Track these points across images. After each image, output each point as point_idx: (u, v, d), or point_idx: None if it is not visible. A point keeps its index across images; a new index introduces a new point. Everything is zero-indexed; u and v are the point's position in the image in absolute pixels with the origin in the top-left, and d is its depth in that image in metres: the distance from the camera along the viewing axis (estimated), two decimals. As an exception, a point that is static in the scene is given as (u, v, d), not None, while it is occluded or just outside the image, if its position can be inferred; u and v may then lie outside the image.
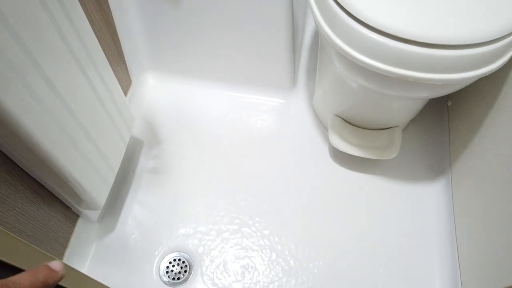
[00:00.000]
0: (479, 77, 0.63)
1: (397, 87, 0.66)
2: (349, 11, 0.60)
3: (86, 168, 0.70)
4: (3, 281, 0.22)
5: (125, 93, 1.02)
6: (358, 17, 0.59)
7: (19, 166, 0.63)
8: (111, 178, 0.80)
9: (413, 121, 1.02)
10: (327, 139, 1.01)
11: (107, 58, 0.89)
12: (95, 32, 0.83)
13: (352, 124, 0.94)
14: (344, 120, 0.94)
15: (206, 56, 1.03)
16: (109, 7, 0.88)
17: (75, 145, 0.65)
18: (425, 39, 0.57)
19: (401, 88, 0.66)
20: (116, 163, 0.82)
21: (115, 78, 0.78)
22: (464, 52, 0.58)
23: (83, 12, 0.64)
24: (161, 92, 1.10)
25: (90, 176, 0.72)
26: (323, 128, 1.03)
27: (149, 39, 1.02)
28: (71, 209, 0.81)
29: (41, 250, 0.46)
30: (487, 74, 0.63)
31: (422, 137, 1.01)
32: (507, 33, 0.59)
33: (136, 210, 0.92)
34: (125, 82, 1.01)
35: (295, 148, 1.01)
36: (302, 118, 1.05)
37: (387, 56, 0.60)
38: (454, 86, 0.67)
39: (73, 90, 0.63)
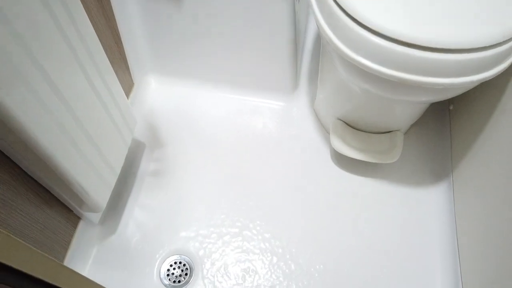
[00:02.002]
0: (482, 81, 0.63)
1: (399, 91, 0.66)
2: (351, 14, 0.60)
3: (88, 170, 0.70)
4: None
5: (127, 95, 1.02)
6: (360, 21, 0.59)
7: (21, 168, 0.63)
8: (112, 181, 0.80)
9: (415, 124, 1.02)
10: (328, 143, 1.01)
11: (109, 61, 0.89)
12: (97, 35, 0.83)
13: (353, 127, 0.94)
14: (346, 123, 0.94)
15: (208, 59, 1.03)
16: (112, 10, 0.88)
17: (77, 147, 0.66)
18: (428, 43, 0.57)
19: (404, 92, 0.66)
20: (118, 165, 0.82)
21: (117, 80, 0.78)
22: (467, 56, 0.58)
23: (86, 15, 0.64)
24: (163, 95, 1.10)
25: (91, 178, 0.72)
26: (325, 132, 1.03)
27: (152, 41, 1.02)
28: (72, 211, 0.81)
29: (42, 253, 0.46)
30: (490, 78, 0.63)
31: (424, 141, 1.01)
32: (510, 37, 0.59)
33: (138, 213, 0.92)
34: (127, 85, 1.01)
35: (296, 152, 1.01)
36: (303, 121, 1.05)
37: (390, 60, 0.60)
38: (457, 90, 0.67)
39: (75, 92, 0.63)
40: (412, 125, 1.01)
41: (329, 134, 1.00)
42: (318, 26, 0.69)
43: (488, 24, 0.59)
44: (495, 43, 0.58)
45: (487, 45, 0.58)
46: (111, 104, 0.77)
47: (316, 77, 1.11)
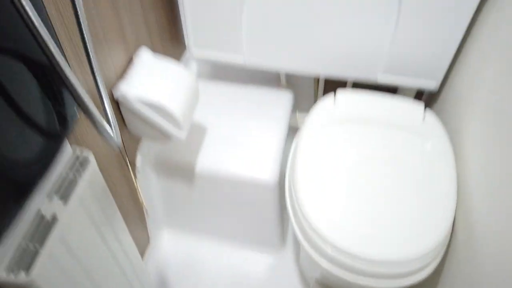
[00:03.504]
0: (418, 280, 0.83)
1: (353, 284, 0.86)
2: (316, 231, 0.82)
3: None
4: None
5: (144, 250, 1.23)
6: (322, 238, 0.82)
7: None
8: (126, 337, 0.97)
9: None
10: (311, 296, 1.18)
11: (129, 225, 1.09)
12: (121, 202, 1.02)
13: (329, 289, 1.12)
14: (323, 284, 1.12)
15: (212, 220, 1.26)
16: (134, 183, 1.11)
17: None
18: (367, 258, 0.79)
19: (359, 285, 0.86)
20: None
21: (137, 251, 0.96)
22: (397, 268, 0.79)
23: (113, 199, 0.80)
24: (174, 247, 1.31)
25: None
26: (308, 286, 1.21)
27: (167, 206, 1.26)
28: None
29: None
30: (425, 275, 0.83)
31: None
32: (430, 250, 0.80)
33: None
34: (144, 241, 1.23)
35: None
36: (290, 276, 1.23)
37: (339, 265, 0.81)
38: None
39: (98, 265, 0.76)
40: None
41: (310, 289, 1.17)
42: (291, 224, 0.91)
43: (410, 242, 0.80)
44: (419, 256, 0.79)
45: (412, 258, 0.79)
46: (130, 271, 0.93)
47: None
